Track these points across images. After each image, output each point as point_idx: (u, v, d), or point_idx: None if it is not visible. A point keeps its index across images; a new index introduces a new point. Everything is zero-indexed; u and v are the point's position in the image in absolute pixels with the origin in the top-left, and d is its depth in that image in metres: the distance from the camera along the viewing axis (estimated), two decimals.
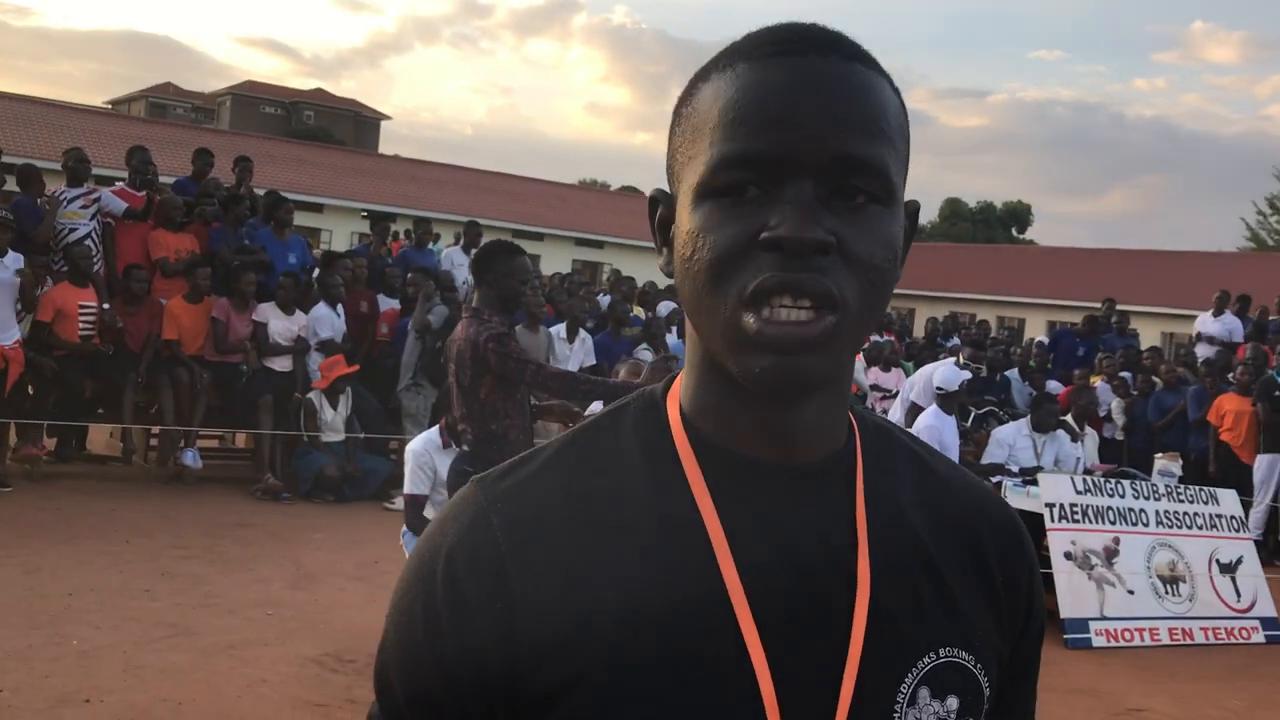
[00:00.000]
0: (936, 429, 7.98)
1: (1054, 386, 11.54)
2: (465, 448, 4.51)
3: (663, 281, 18.18)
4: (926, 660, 0.87)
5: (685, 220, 0.83)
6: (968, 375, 9.15)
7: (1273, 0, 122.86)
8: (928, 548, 0.90)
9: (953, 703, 0.87)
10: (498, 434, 4.44)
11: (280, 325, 8.95)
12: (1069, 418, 8.86)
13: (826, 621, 0.84)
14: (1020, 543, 0.97)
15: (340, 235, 26.00)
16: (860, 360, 11.54)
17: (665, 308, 11.90)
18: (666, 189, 0.90)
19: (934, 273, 38.67)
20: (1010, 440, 8.16)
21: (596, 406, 6.24)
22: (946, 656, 0.88)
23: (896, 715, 0.85)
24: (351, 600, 6.23)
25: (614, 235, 31.11)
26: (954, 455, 8.05)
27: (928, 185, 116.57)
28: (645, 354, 10.34)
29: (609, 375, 7.53)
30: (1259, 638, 7.30)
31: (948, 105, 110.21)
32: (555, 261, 23.97)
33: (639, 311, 11.88)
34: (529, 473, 0.89)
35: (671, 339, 11.02)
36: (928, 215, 61.35)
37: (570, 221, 31.37)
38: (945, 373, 8.69)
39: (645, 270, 19.53)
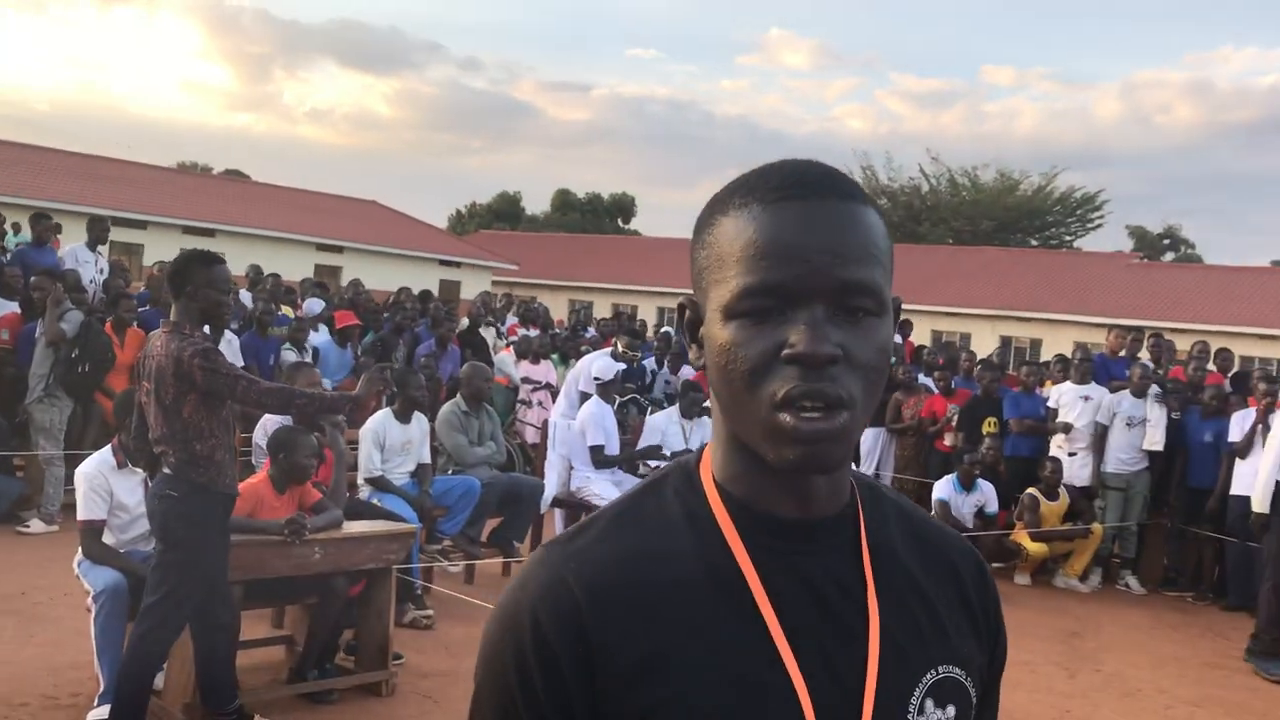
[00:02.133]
0: (598, 416, 8.40)
1: (687, 372, 12.37)
2: (167, 470, 4.29)
3: (291, 275, 17.48)
4: (929, 676, 1.07)
5: (718, 333, 1.02)
6: (622, 365, 9.66)
7: (840, 13, 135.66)
8: (920, 583, 1.12)
9: (951, 710, 1.08)
10: (203, 455, 4.28)
11: None
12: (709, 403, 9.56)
13: (848, 648, 1.04)
14: (985, 575, 1.20)
15: None
16: (509, 354, 11.82)
17: (315, 305, 11.59)
18: (693, 294, 1.10)
19: (552, 262, 39.81)
20: (663, 426, 8.72)
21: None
22: (944, 672, 1.08)
23: (909, 718, 1.06)
24: (3, 638, 5.70)
25: (225, 223, 29.49)
26: (614, 441, 8.51)
27: (539, 175, 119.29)
28: (289, 355, 10.07)
29: (272, 378, 7.32)
30: None
31: (555, 98, 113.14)
32: (161, 251, 22.20)
33: (285, 310, 11.51)
34: (593, 537, 1.07)
35: (319, 338, 10.78)
36: (540, 206, 62.85)
37: (175, 208, 29.31)
38: (602, 363, 9.14)
39: (260, 260, 18.54)
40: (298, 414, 5.43)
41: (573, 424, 8.64)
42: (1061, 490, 9.33)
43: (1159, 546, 9.92)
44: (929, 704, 1.07)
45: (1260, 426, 8.97)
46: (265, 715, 4.81)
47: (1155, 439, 9.39)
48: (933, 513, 8.31)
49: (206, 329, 4.45)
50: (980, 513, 9.11)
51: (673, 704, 0.99)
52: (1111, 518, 9.50)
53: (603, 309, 33.35)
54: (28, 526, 7.96)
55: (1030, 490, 9.23)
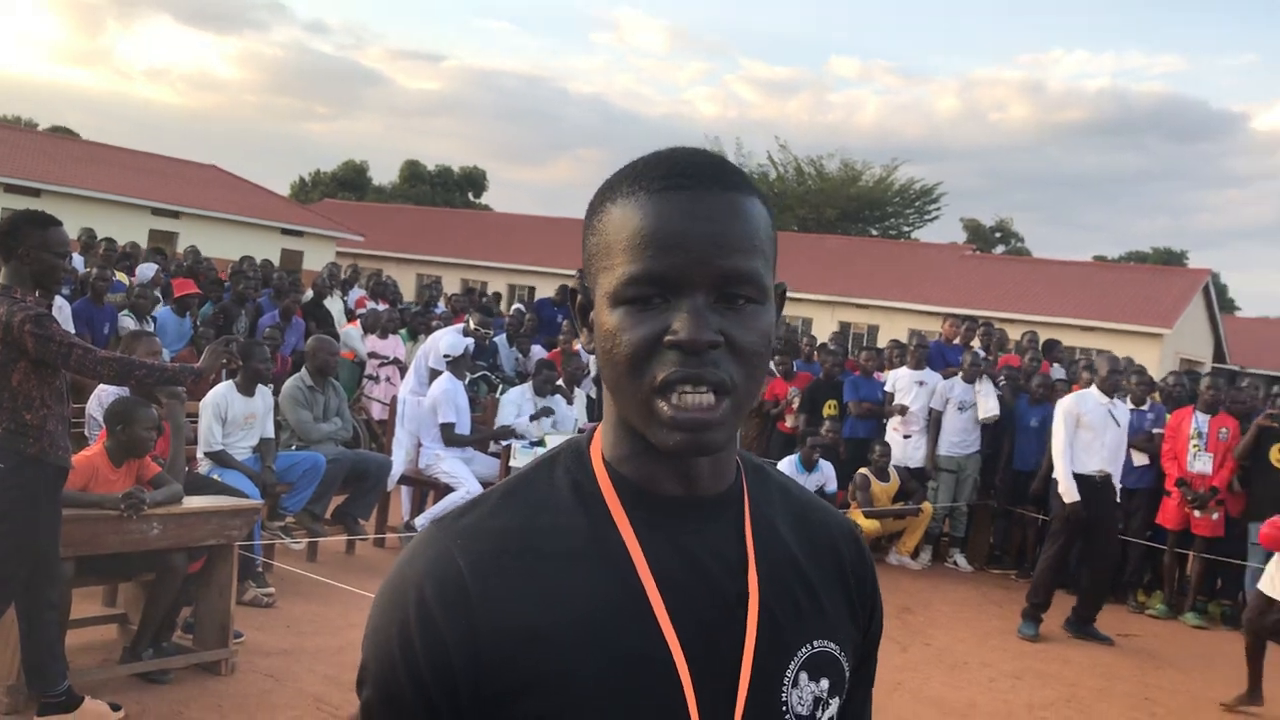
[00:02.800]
0: (451, 393, 8.34)
1: (538, 351, 12.36)
2: None
3: (123, 240, 16.82)
4: (804, 650, 1.13)
5: (604, 318, 1.05)
6: (470, 341, 9.59)
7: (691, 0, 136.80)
8: (799, 560, 1.17)
9: (824, 683, 1.14)
10: (34, 425, 4.09)
11: None
12: (561, 381, 9.59)
13: (728, 622, 1.09)
14: (863, 551, 1.25)
15: None
16: (356, 327, 11.59)
17: (147, 271, 11.13)
18: (579, 278, 1.15)
19: (400, 235, 39.11)
20: (517, 403, 8.71)
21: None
22: (819, 647, 1.14)
23: (783, 693, 1.11)
24: None
25: (52, 183, 28.01)
26: (466, 419, 8.45)
27: (387, 145, 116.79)
28: (129, 322, 9.68)
29: (110, 349, 7.03)
30: None
31: (404, 66, 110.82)
32: None
33: (121, 277, 11.01)
34: (482, 514, 1.09)
35: (162, 309, 10.38)
36: (387, 176, 61.61)
37: None
38: (451, 339, 9.07)
39: (92, 223, 17.69)
40: (136, 385, 5.23)
41: (422, 401, 8.56)
42: (892, 471, 9.68)
43: (986, 527, 10.41)
44: (803, 677, 1.12)
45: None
46: (96, 697, 4.63)
47: (989, 407, 9.80)
48: None
49: (39, 293, 4.24)
50: (820, 492, 9.39)
51: (553, 676, 1.02)
52: (943, 498, 9.92)
53: (452, 284, 32.91)
54: None
55: (862, 471, 9.56)
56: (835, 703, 1.16)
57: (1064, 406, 7.83)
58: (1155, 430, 9.29)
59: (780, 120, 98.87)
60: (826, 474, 9.39)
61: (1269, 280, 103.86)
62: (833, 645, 1.16)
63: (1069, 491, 7.57)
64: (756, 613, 1.10)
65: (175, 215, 30.60)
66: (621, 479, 1.11)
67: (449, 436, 8.28)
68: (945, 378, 10.10)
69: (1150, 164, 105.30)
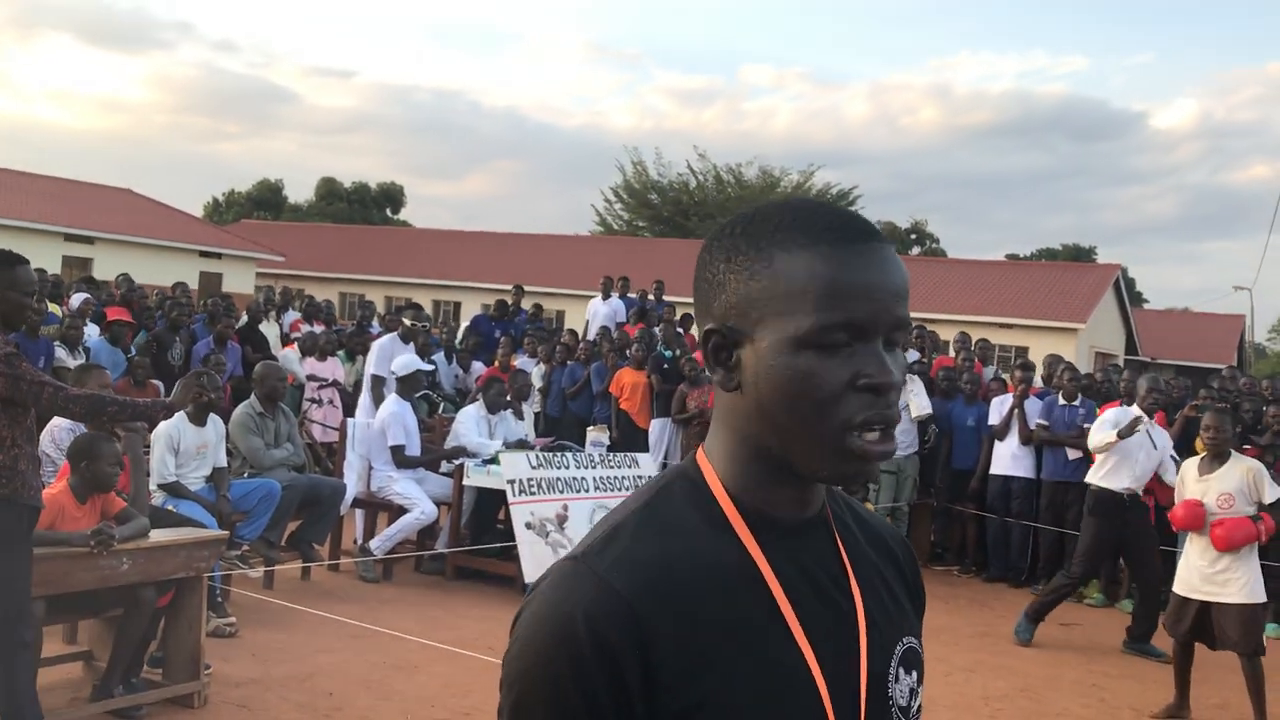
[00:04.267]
0: (399, 415, 8.35)
1: (478, 367, 12.38)
2: None
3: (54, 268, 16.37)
4: (900, 646, 1.26)
5: (786, 361, 1.13)
6: (425, 364, 9.54)
7: (605, 7, 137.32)
8: (878, 567, 1.30)
9: (914, 675, 1.27)
10: (5, 465, 4.05)
11: None
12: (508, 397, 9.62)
13: (842, 630, 1.21)
14: (914, 558, 1.40)
15: None
16: (294, 350, 11.50)
17: (79, 300, 10.93)
18: (705, 316, 1.21)
19: (321, 254, 38.67)
20: (474, 420, 8.70)
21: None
22: (908, 643, 1.28)
23: (890, 686, 1.23)
24: None
25: None
26: (415, 439, 8.45)
27: (301, 163, 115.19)
28: (62, 353, 9.52)
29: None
30: None
31: (316, 84, 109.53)
32: None
33: (55, 309, 10.79)
34: (625, 545, 1.15)
35: (89, 337, 10.20)
36: (304, 195, 60.87)
37: None
38: (404, 359, 9.05)
39: (37, 256, 17.29)
40: (110, 421, 5.18)
41: (371, 424, 8.54)
42: None
43: (926, 524, 10.67)
44: (900, 672, 1.25)
45: (1016, 410, 9.79)
46: None
47: (922, 405, 10.04)
48: None
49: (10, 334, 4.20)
50: None
51: (712, 699, 1.10)
52: (884, 499, 10.14)
53: (377, 302, 32.69)
54: None
55: None
56: (920, 690, 1.29)
57: (1108, 417, 7.80)
58: (1086, 425, 9.61)
59: (696, 130, 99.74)
60: None
61: (1174, 274, 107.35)
62: (914, 640, 1.29)
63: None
64: (864, 616, 1.22)
65: (89, 241, 29.90)
66: (742, 506, 1.20)
67: (400, 459, 8.29)
68: None
69: (1055, 163, 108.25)
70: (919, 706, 1.29)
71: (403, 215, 62.64)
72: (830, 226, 1.16)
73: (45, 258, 24.46)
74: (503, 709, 1.12)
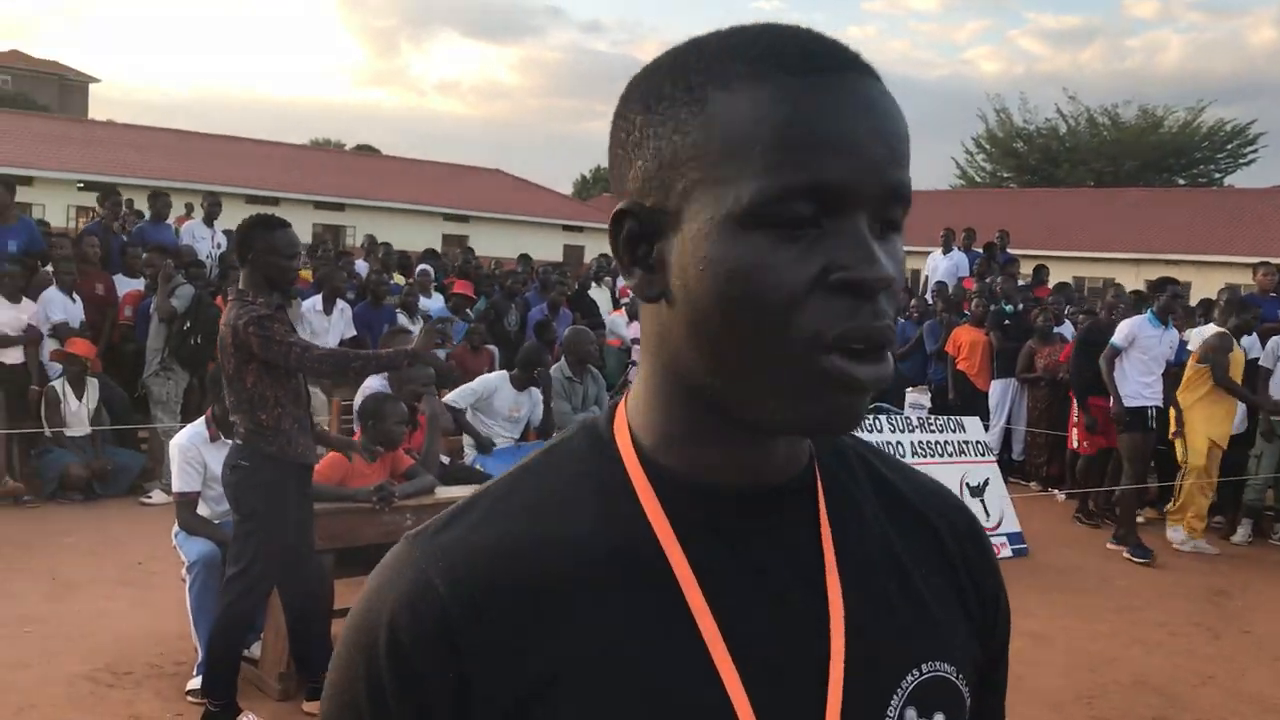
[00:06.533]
0: None
1: None
2: (238, 440, 4.25)
3: (418, 246, 17.71)
4: (910, 678, 0.84)
5: (716, 251, 0.75)
6: None
7: None
8: (899, 555, 0.88)
9: (939, 719, 0.85)
10: (269, 424, 4.20)
11: (7, 315, 8.23)
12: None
13: (806, 647, 0.81)
14: (980, 540, 0.96)
15: (55, 209, 23.97)
16: (622, 315, 11.66)
17: (419, 271, 11.62)
18: (616, 195, 0.82)
19: None
20: None
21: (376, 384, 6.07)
22: (930, 672, 0.85)
23: None
24: (118, 608, 5.81)
25: (355, 197, 30.10)
26: None
27: None
28: (404, 319, 10.11)
29: (377, 347, 7.31)
30: (1007, 553, 7.90)
31: None
32: (294, 227, 22.93)
33: (398, 278, 11.56)
34: (470, 524, 0.82)
35: (433, 303, 10.80)
36: None
37: (307, 184, 30.05)
38: None
39: (390, 232, 18.94)
40: (356, 376, 5.34)
41: None
42: None
43: None
44: (910, 714, 0.83)
45: None
46: None
47: None
48: None
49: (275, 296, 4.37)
50: None
51: None
52: (1266, 467, 8.85)
53: None
54: (150, 498, 8.16)
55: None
56: None
57: None
58: None
59: (1071, 72, 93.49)
60: None
61: None
62: (948, 668, 0.86)
63: None
64: (842, 632, 0.81)
65: (464, 219, 32.21)
66: (660, 469, 0.83)
67: None
68: (1264, 335, 9.00)
69: None
70: None
71: None
72: (789, 51, 0.76)
73: (428, 236, 26.70)
74: None
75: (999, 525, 8.06)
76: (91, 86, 60.29)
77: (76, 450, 8.15)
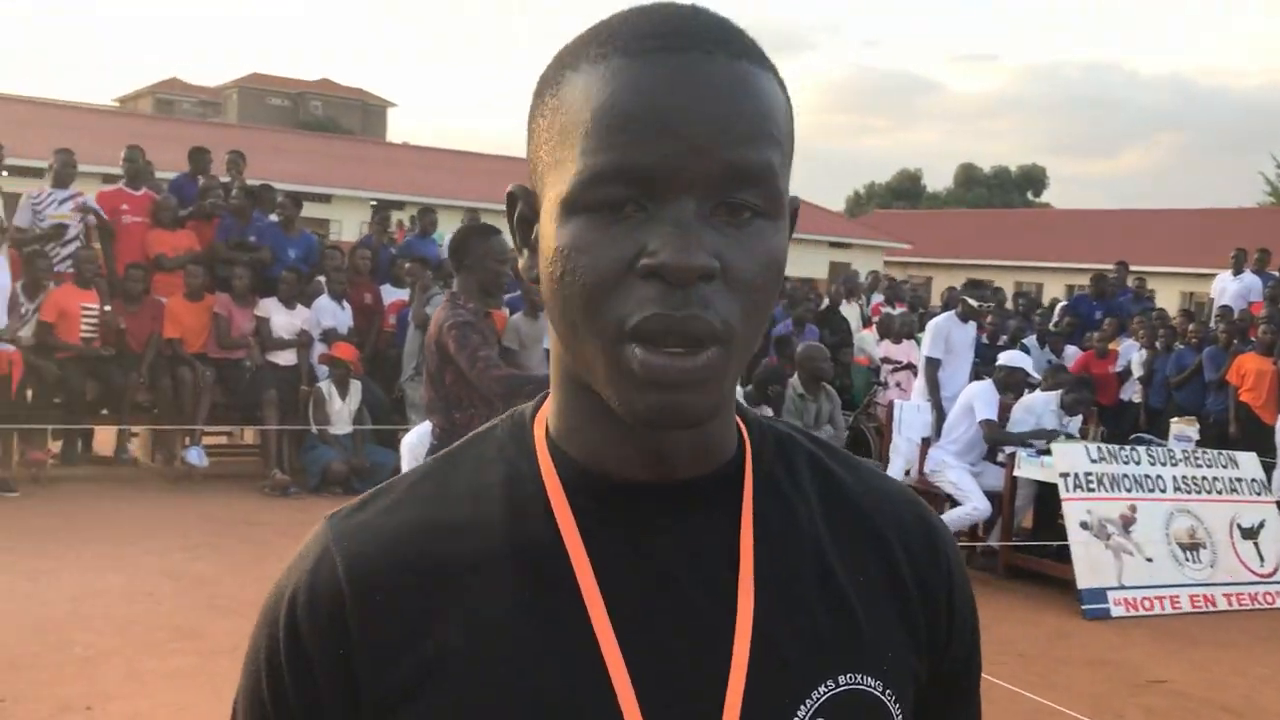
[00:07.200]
0: (988, 390, 7.58)
1: (1072, 352, 11.37)
2: (433, 440, 4.44)
3: None
4: (822, 690, 0.79)
5: (552, 233, 0.75)
6: (1025, 362, 8.58)
7: None
8: (830, 562, 0.83)
9: None
10: (461, 424, 4.32)
11: (283, 319, 8.96)
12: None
13: (706, 653, 0.78)
14: (934, 546, 0.89)
15: (349, 225, 25.94)
16: (872, 332, 11.40)
17: None
18: (528, 183, 0.83)
19: (949, 240, 38.42)
20: (1038, 412, 7.85)
21: None
22: (847, 684, 0.80)
23: None
24: None
25: None
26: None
27: (942, 151, 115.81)
28: None
29: None
30: None
31: (958, 70, 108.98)
32: None
33: None
34: (382, 507, 0.83)
35: None
36: (942, 183, 61.02)
37: None
38: (1009, 354, 8.30)
39: None
40: (527, 399, 5.42)
41: (922, 406, 8.14)
42: None
43: None
44: None
45: None
46: None
47: None
48: None
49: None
50: None
51: None
52: None
53: (1006, 288, 31.76)
54: None
55: None
56: None
57: None
58: None
59: None
60: None
61: None
62: (870, 680, 0.82)
63: None
64: (748, 637, 0.78)
65: None
66: (568, 460, 0.82)
67: (991, 433, 7.59)
68: None
69: None
70: None
71: (1045, 198, 60.43)
72: (637, 32, 0.74)
73: None
74: None
75: (1275, 572, 7.33)
76: (390, 111, 64.92)
77: (339, 447, 8.74)
